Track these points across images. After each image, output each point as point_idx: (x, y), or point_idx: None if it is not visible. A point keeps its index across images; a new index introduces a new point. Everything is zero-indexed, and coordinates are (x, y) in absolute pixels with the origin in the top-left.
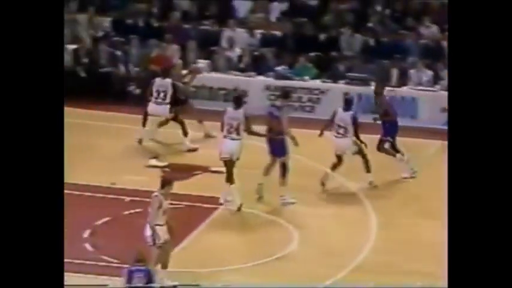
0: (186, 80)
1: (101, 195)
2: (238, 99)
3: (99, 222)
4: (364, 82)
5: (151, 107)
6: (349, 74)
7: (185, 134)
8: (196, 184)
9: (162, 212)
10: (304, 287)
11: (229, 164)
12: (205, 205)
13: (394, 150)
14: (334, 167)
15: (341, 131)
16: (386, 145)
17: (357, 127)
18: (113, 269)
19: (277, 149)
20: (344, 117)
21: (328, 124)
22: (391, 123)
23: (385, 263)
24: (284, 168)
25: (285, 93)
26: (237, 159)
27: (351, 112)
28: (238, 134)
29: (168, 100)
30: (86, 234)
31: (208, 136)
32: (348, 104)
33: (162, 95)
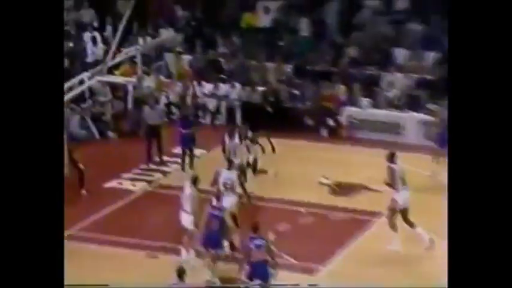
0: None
1: (282, 206)
2: (391, 155)
3: (281, 228)
4: None
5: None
6: None
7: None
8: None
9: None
10: None
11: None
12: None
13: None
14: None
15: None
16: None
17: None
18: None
19: None
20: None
21: None
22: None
23: None
24: None
25: None
26: (405, 208)
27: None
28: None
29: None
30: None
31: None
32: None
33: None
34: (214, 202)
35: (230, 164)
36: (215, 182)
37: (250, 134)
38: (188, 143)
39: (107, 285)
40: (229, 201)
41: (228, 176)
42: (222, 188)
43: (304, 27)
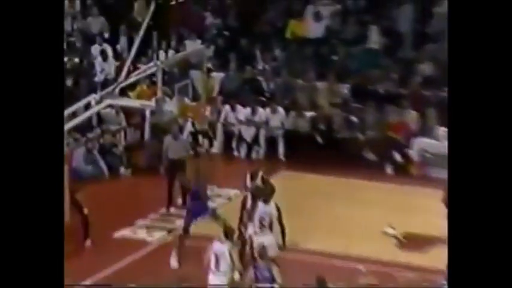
0: None
1: (335, 261)
2: None
3: None
4: None
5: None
6: None
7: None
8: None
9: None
10: None
11: None
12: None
13: None
14: None
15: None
16: None
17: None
18: None
19: None
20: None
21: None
22: None
23: None
24: None
25: None
26: None
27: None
28: None
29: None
30: None
31: None
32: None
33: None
34: (260, 262)
35: (267, 197)
36: (249, 219)
37: (261, 174)
38: (196, 215)
39: (109, 285)
40: (266, 243)
41: (265, 210)
42: (257, 224)
43: (374, 37)
